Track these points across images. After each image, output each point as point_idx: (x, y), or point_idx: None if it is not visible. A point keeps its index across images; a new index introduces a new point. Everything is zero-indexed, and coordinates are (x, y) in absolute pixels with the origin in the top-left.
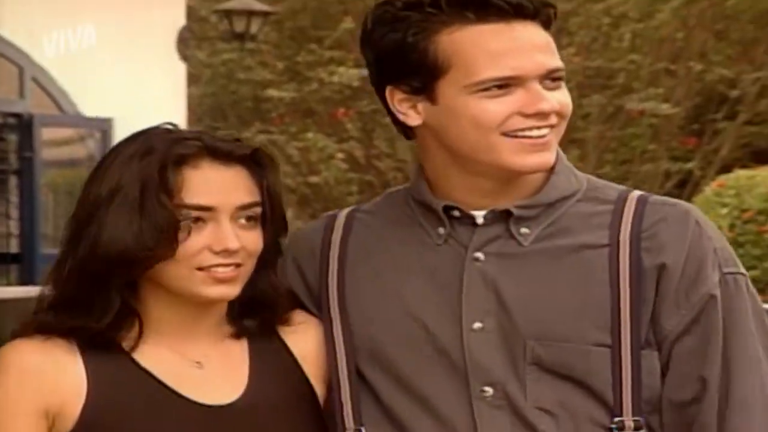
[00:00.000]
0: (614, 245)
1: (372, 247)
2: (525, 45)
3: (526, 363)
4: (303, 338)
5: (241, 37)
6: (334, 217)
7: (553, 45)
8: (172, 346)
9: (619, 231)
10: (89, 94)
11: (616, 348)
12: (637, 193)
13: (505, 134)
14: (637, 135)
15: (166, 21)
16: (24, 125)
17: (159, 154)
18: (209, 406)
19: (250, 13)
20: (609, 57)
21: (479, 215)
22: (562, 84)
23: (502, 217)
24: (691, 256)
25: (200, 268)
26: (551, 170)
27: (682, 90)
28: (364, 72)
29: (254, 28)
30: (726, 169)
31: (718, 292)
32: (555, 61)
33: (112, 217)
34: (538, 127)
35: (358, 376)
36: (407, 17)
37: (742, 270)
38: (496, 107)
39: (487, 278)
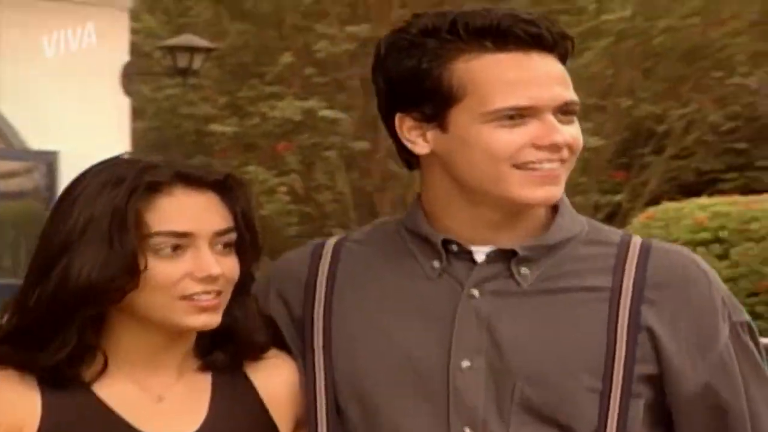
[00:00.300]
0: (616, 290)
1: (361, 278)
2: (542, 76)
3: (513, 404)
4: (272, 377)
5: (184, 72)
6: (321, 246)
7: (568, 78)
8: (136, 379)
9: (622, 276)
10: (36, 128)
11: (606, 393)
12: (638, 237)
13: (516, 166)
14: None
15: (110, 56)
16: None
17: (129, 184)
18: None
19: (192, 50)
20: None
21: (479, 252)
22: (575, 119)
23: (504, 255)
24: (700, 313)
25: (183, 297)
26: (556, 211)
27: (611, 125)
28: (306, 105)
29: (197, 63)
30: (654, 201)
31: (731, 345)
32: (571, 94)
33: (82, 249)
34: (550, 160)
35: (336, 412)
36: (423, 44)
37: (747, 317)
38: (509, 137)
39: (481, 316)
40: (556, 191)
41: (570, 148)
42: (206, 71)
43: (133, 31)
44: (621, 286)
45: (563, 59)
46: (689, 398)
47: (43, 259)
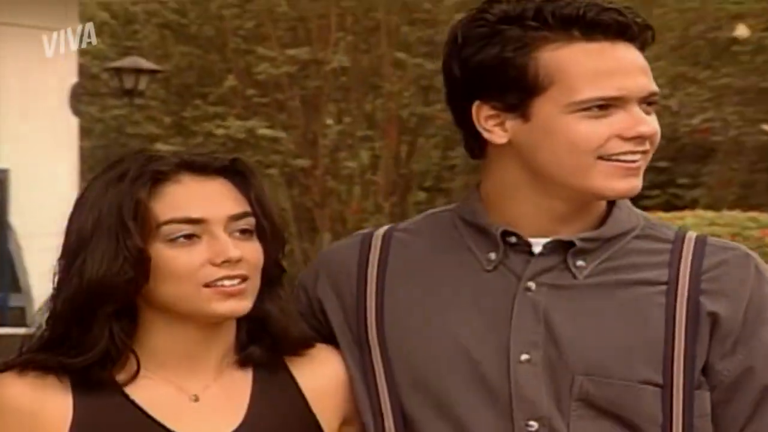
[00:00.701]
0: (672, 283)
1: (413, 269)
2: (629, 66)
3: (572, 399)
4: (316, 373)
5: (130, 93)
6: (370, 236)
7: (649, 69)
8: (171, 378)
9: (678, 270)
10: None
11: (668, 388)
12: (693, 233)
13: (601, 158)
14: None
15: (59, 77)
16: None
17: (132, 175)
18: None
19: (138, 71)
20: None
21: (537, 243)
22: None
23: (561, 247)
24: (751, 303)
25: (207, 285)
26: (613, 204)
27: None
28: (248, 125)
29: (142, 85)
30: None
31: None
32: (654, 85)
33: (94, 247)
34: (633, 152)
35: (399, 406)
36: (505, 32)
37: None
38: (596, 128)
39: (538, 309)
40: (638, 183)
41: (651, 140)
42: (152, 92)
43: (82, 53)
44: (678, 279)
45: (643, 49)
46: (728, 383)
47: (64, 265)
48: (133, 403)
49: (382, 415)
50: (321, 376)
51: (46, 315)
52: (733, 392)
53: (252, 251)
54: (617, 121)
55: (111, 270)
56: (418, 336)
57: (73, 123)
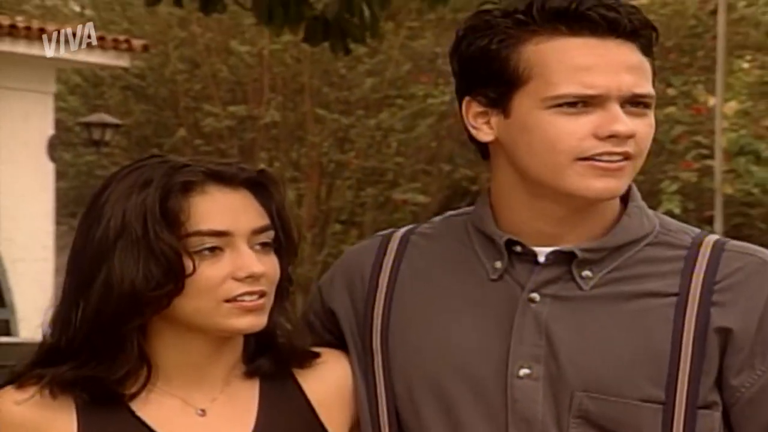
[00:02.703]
0: (683, 295)
1: (423, 277)
2: (612, 63)
3: (571, 416)
4: (323, 380)
5: (98, 143)
6: (388, 239)
7: (648, 70)
8: (177, 393)
9: (690, 280)
10: None
11: (670, 405)
12: (713, 237)
13: (578, 158)
14: (402, 219)
15: (39, 129)
16: None
17: (159, 184)
18: None
19: (105, 125)
20: (380, 159)
21: (542, 253)
22: (650, 114)
23: (566, 257)
24: (767, 314)
25: (227, 300)
26: (624, 210)
27: (435, 185)
28: None
29: (108, 136)
30: None
31: None
32: (645, 87)
33: (119, 257)
34: (610, 154)
35: (396, 416)
36: (496, 24)
37: None
38: (570, 126)
39: (540, 321)
40: (615, 185)
41: (636, 142)
42: (116, 142)
43: (58, 110)
44: (689, 291)
45: (645, 50)
46: (747, 397)
47: (79, 274)
48: (138, 419)
49: (379, 425)
50: (328, 383)
51: (51, 327)
52: (753, 407)
53: (271, 266)
54: (595, 119)
55: (147, 282)
56: (419, 344)
57: (50, 168)
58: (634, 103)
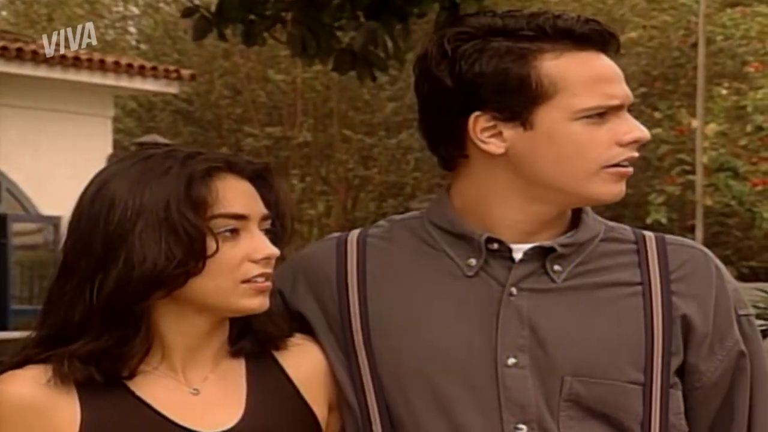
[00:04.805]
0: (646, 284)
1: (393, 275)
2: (616, 73)
3: (561, 399)
4: (301, 361)
5: None
6: (344, 241)
7: None
8: (169, 372)
9: (649, 270)
10: (45, 199)
11: (648, 386)
12: (648, 232)
13: (605, 166)
14: None
15: (99, 148)
16: (0, 222)
17: (181, 169)
18: None
19: (156, 145)
20: (400, 174)
21: (518, 250)
22: None
23: (541, 253)
24: (719, 304)
25: (244, 281)
26: (581, 209)
27: None
28: None
29: None
30: None
31: (740, 336)
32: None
33: (140, 237)
34: (629, 157)
35: (386, 409)
36: (499, 43)
37: (750, 310)
38: (598, 135)
39: (522, 313)
40: (623, 187)
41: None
42: None
43: (116, 131)
44: (650, 280)
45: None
46: (711, 382)
47: (92, 255)
48: (136, 397)
49: (370, 419)
50: (307, 365)
51: (50, 309)
52: (716, 390)
53: (276, 251)
54: (615, 127)
55: (169, 262)
56: (404, 341)
57: None
58: (628, 108)
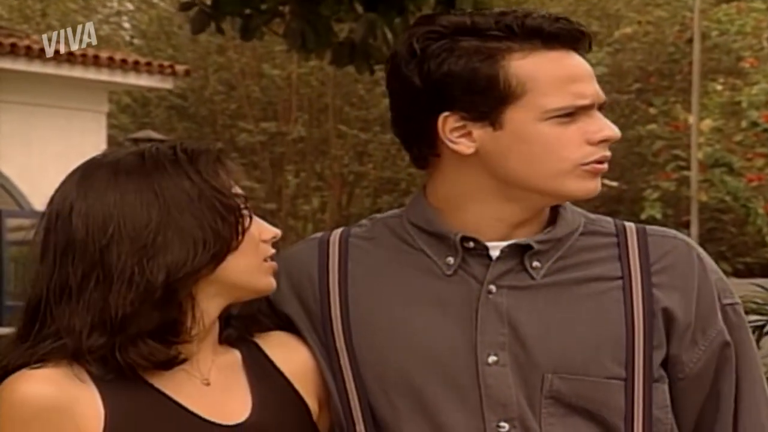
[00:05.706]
0: (626, 278)
1: (373, 276)
2: (586, 72)
3: (543, 396)
4: (290, 357)
5: None
6: (327, 241)
7: None
8: (182, 364)
9: (629, 264)
10: (39, 195)
11: (630, 381)
12: (630, 223)
13: (579, 164)
14: None
15: (93, 144)
16: None
17: (200, 158)
18: (227, 426)
19: (151, 141)
20: (395, 170)
21: (495, 248)
22: None
23: (518, 250)
24: (701, 294)
25: (265, 259)
26: (559, 205)
27: None
28: None
29: None
30: None
31: (724, 326)
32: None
33: (187, 222)
34: (602, 155)
35: (369, 409)
36: (467, 42)
37: (737, 299)
38: (567, 134)
39: (501, 311)
40: (598, 184)
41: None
42: None
43: (110, 127)
44: (630, 274)
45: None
46: (694, 372)
47: (125, 257)
48: (158, 390)
49: (353, 419)
50: (296, 361)
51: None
52: (700, 380)
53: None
54: (585, 126)
55: (216, 238)
56: (385, 341)
57: None
58: (599, 107)
